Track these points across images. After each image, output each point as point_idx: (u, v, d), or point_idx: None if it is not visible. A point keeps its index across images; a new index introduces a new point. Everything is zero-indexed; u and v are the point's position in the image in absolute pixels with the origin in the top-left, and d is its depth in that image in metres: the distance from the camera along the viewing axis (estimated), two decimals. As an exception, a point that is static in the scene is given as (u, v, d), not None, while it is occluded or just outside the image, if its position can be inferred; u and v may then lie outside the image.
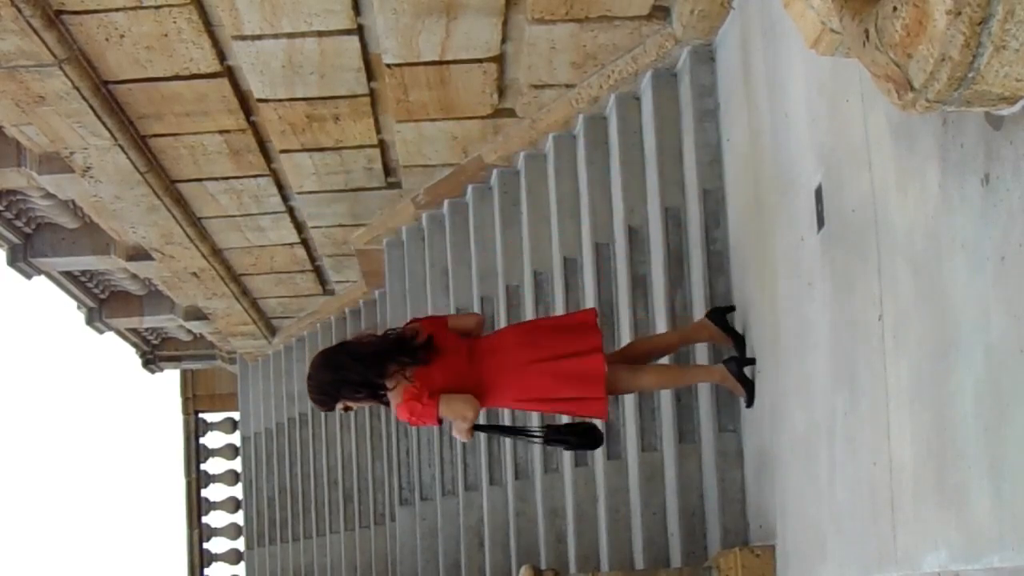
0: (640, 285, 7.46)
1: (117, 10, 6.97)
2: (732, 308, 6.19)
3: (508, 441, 9.13)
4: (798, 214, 5.23)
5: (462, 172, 9.41)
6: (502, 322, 9.28)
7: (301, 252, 11.59)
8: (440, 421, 5.78)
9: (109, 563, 40.46)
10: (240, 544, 16.89)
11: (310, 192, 9.92)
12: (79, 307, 14.37)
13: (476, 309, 9.74)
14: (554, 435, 6.07)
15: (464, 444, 9.95)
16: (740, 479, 6.28)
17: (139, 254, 11.59)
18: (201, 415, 17.91)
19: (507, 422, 8.25)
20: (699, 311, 6.66)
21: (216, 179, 9.64)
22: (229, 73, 7.90)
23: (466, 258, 9.72)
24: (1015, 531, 3.29)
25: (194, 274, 11.84)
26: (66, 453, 45.27)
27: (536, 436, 6.30)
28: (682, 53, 7.09)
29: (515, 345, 5.82)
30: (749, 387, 5.94)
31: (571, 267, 8.41)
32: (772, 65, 5.65)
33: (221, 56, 7.66)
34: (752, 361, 5.95)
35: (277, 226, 10.85)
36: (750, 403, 5.98)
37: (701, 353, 6.65)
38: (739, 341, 6.04)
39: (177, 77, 7.81)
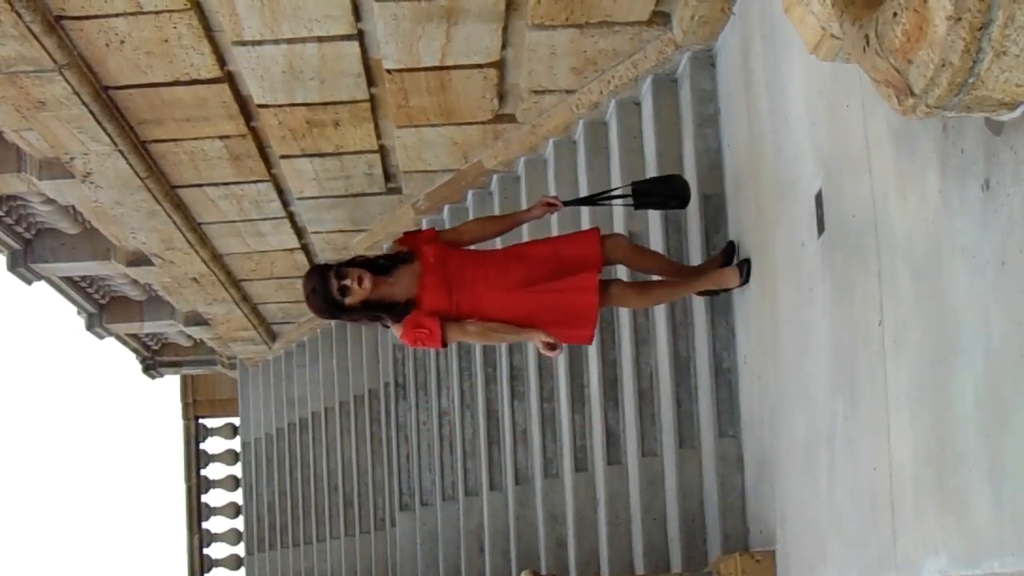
0: (640, 290, 7.46)
1: (117, 15, 6.97)
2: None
3: (509, 446, 9.14)
4: (798, 219, 5.23)
5: (462, 177, 9.42)
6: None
7: (301, 257, 11.59)
8: (445, 344, 5.82)
9: (110, 568, 40.46)
10: (240, 549, 16.87)
11: (310, 197, 9.93)
12: (79, 312, 14.35)
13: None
14: (644, 198, 6.27)
15: (464, 449, 9.95)
16: (740, 484, 6.28)
17: (139, 259, 11.59)
18: (201, 420, 17.89)
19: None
20: (699, 314, 6.67)
21: (216, 184, 9.64)
22: (229, 78, 7.90)
23: (466, 263, 9.71)
24: (1015, 536, 3.30)
25: (194, 279, 11.84)
26: (66, 458, 45.23)
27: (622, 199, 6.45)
28: (682, 58, 7.10)
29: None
30: (741, 265, 6.10)
31: (571, 272, 8.40)
32: (772, 70, 5.66)
33: (221, 61, 7.66)
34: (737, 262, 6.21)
35: (277, 231, 10.85)
36: (746, 279, 6.08)
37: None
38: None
39: (177, 82, 7.81)
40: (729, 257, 6.31)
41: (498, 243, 9.07)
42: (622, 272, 7.09)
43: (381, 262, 5.70)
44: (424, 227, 10.20)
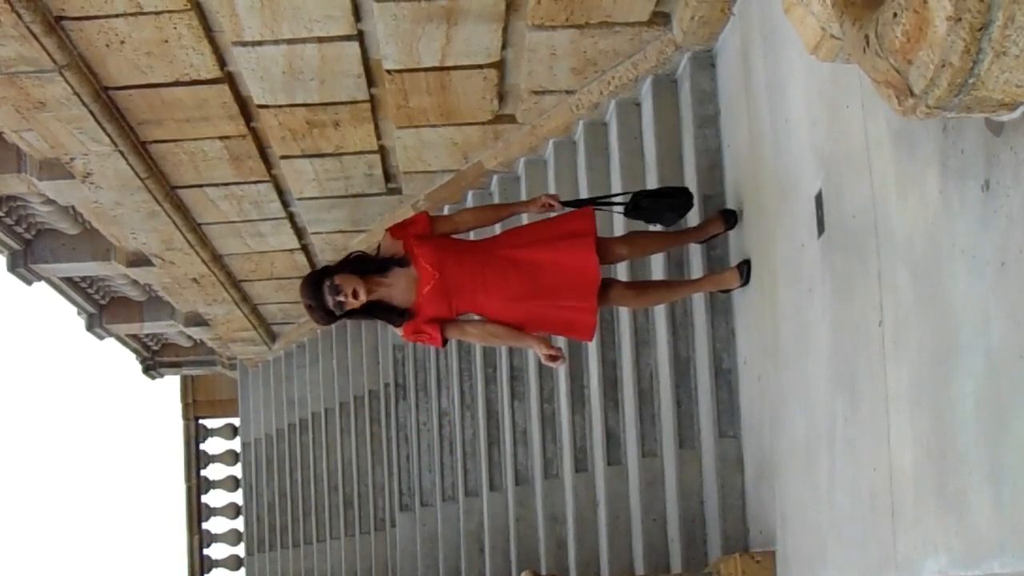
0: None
1: (117, 16, 6.97)
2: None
3: (509, 447, 9.13)
4: (798, 220, 5.23)
5: (462, 178, 9.41)
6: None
7: (301, 258, 11.59)
8: (446, 342, 5.87)
9: (110, 569, 40.45)
10: (240, 550, 16.87)
11: (310, 198, 9.93)
12: (79, 313, 14.35)
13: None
14: (644, 206, 6.21)
15: (464, 449, 9.95)
16: (740, 485, 6.28)
17: (139, 260, 11.58)
18: (201, 421, 17.90)
19: None
20: (699, 316, 6.66)
21: (216, 185, 9.64)
22: (229, 79, 7.90)
23: (466, 264, 9.70)
24: (1015, 536, 3.29)
25: (194, 280, 11.84)
26: (66, 459, 45.25)
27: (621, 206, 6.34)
28: (682, 59, 7.10)
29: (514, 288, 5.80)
30: (741, 267, 6.07)
31: (571, 272, 8.40)
32: (772, 71, 5.66)
33: (221, 62, 7.66)
34: (732, 220, 6.24)
35: (277, 232, 10.85)
36: (746, 280, 6.06)
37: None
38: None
39: (177, 83, 7.81)
40: (730, 222, 6.29)
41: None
42: (621, 271, 7.09)
43: (376, 261, 5.69)
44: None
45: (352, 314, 5.69)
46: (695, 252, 6.77)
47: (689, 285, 6.50)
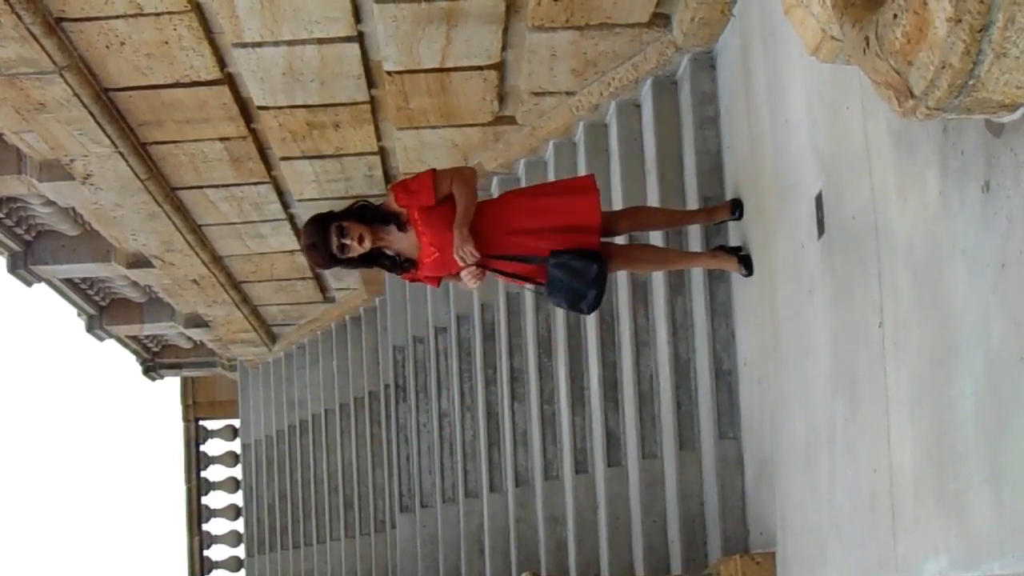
0: (640, 291, 7.46)
1: (117, 17, 6.97)
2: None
3: (509, 448, 9.13)
4: (798, 221, 5.24)
5: (463, 179, 9.40)
6: (503, 328, 9.28)
7: (301, 259, 11.58)
8: (439, 282, 6.06)
9: (110, 570, 40.42)
10: (240, 551, 16.87)
11: (311, 199, 9.92)
12: (79, 314, 14.35)
13: (476, 317, 9.73)
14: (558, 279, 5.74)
15: (464, 451, 9.95)
16: (740, 486, 6.29)
17: (139, 261, 11.58)
18: (201, 422, 17.90)
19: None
20: (700, 317, 6.67)
21: (216, 186, 9.64)
22: (229, 80, 7.90)
23: (466, 265, 9.69)
24: (1015, 537, 3.30)
25: (194, 281, 11.84)
26: (67, 461, 45.25)
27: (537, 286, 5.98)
28: (682, 60, 7.10)
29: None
30: (743, 260, 6.06)
31: (571, 274, 8.39)
32: (772, 72, 5.66)
33: (221, 63, 7.66)
34: (740, 210, 6.23)
35: (277, 233, 10.85)
36: (749, 271, 6.04)
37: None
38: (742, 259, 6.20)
39: (177, 84, 7.81)
40: (737, 212, 6.27)
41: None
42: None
43: (381, 213, 5.73)
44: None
45: (351, 262, 5.77)
46: (696, 249, 6.77)
47: (688, 259, 6.54)
